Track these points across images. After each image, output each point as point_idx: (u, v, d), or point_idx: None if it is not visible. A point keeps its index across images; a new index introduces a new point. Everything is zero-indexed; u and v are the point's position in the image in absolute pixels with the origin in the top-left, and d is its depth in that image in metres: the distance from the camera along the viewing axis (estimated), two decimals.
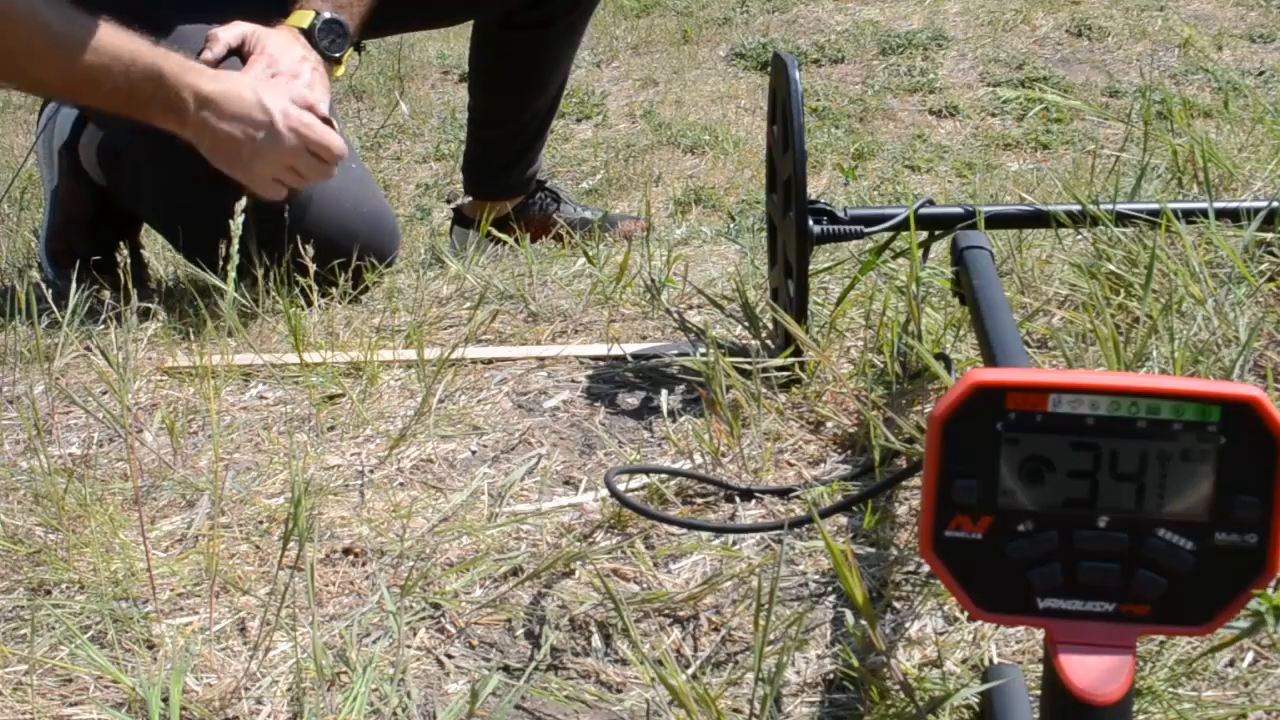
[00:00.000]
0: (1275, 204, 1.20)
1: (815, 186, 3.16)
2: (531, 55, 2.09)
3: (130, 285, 1.21)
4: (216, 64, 1.59)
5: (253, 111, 1.44)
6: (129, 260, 1.16)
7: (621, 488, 0.96)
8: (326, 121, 1.50)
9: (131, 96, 1.42)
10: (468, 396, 1.20)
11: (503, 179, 2.24)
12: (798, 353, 1.11)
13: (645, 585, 0.90)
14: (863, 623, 0.79)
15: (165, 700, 0.78)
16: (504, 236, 1.75)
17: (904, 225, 1.17)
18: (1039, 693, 0.62)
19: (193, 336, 1.36)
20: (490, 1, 2.03)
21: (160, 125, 1.46)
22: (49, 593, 0.92)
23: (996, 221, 1.20)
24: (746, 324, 1.23)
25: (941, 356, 1.04)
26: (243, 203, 1.14)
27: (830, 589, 0.89)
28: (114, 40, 1.39)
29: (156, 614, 0.89)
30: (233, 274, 1.15)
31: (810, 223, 1.12)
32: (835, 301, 1.22)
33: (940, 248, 1.23)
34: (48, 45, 1.36)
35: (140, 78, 1.40)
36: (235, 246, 1.12)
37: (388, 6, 1.75)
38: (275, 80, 1.50)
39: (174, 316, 1.42)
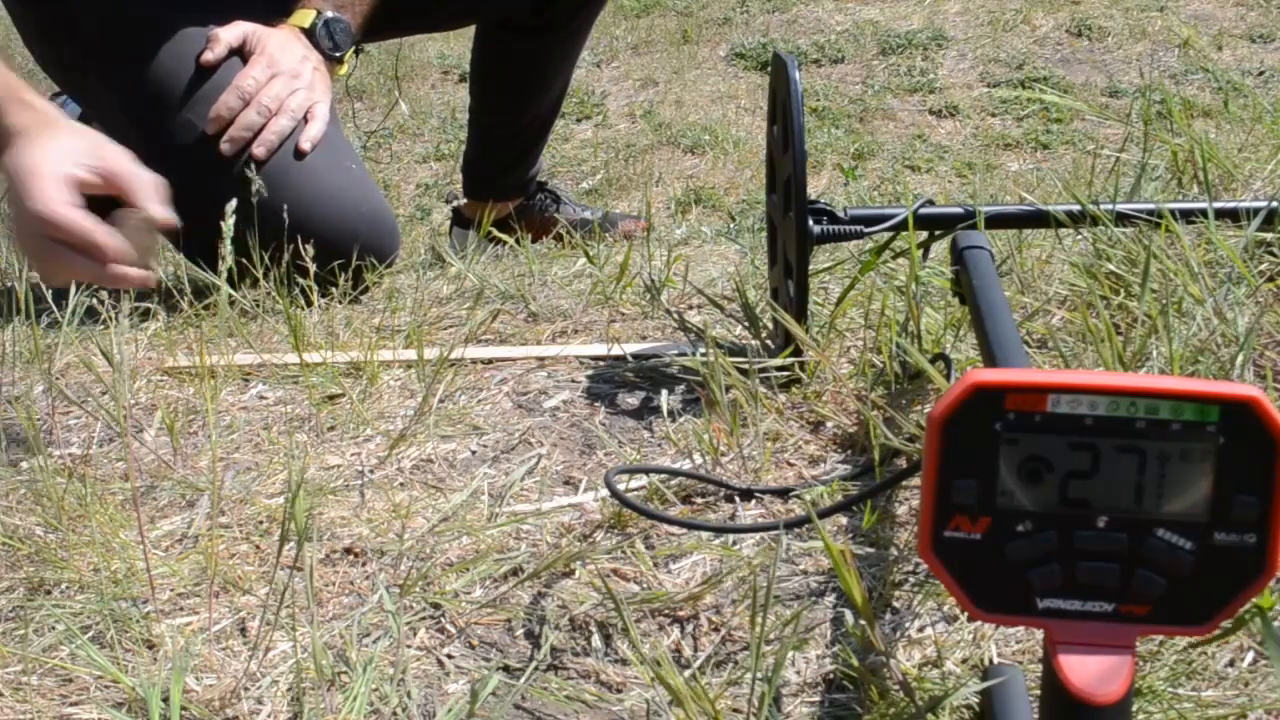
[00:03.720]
0: (1275, 204, 1.20)
1: (815, 186, 3.16)
2: (533, 60, 2.09)
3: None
4: (218, 64, 1.59)
5: (19, 173, 1.11)
6: None
7: (621, 488, 0.96)
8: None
9: None
10: (468, 396, 1.20)
11: (503, 181, 2.24)
12: (798, 353, 1.11)
13: (645, 585, 0.90)
14: (862, 623, 0.79)
15: (165, 700, 0.79)
16: (504, 237, 1.75)
17: (904, 225, 1.18)
18: (1039, 693, 0.62)
19: (193, 336, 1.36)
20: (493, 6, 2.03)
21: None
22: (49, 592, 0.92)
23: (996, 221, 1.20)
24: (746, 324, 1.23)
25: (941, 356, 1.04)
26: (233, 203, 1.14)
27: (830, 589, 0.89)
28: None
29: (156, 614, 0.89)
30: (225, 272, 1.15)
31: (810, 223, 1.12)
32: (835, 301, 1.22)
33: (940, 248, 1.23)
34: None
35: None
36: (228, 246, 1.12)
37: (390, 10, 1.75)
38: (87, 132, 1.18)
39: (174, 316, 1.42)
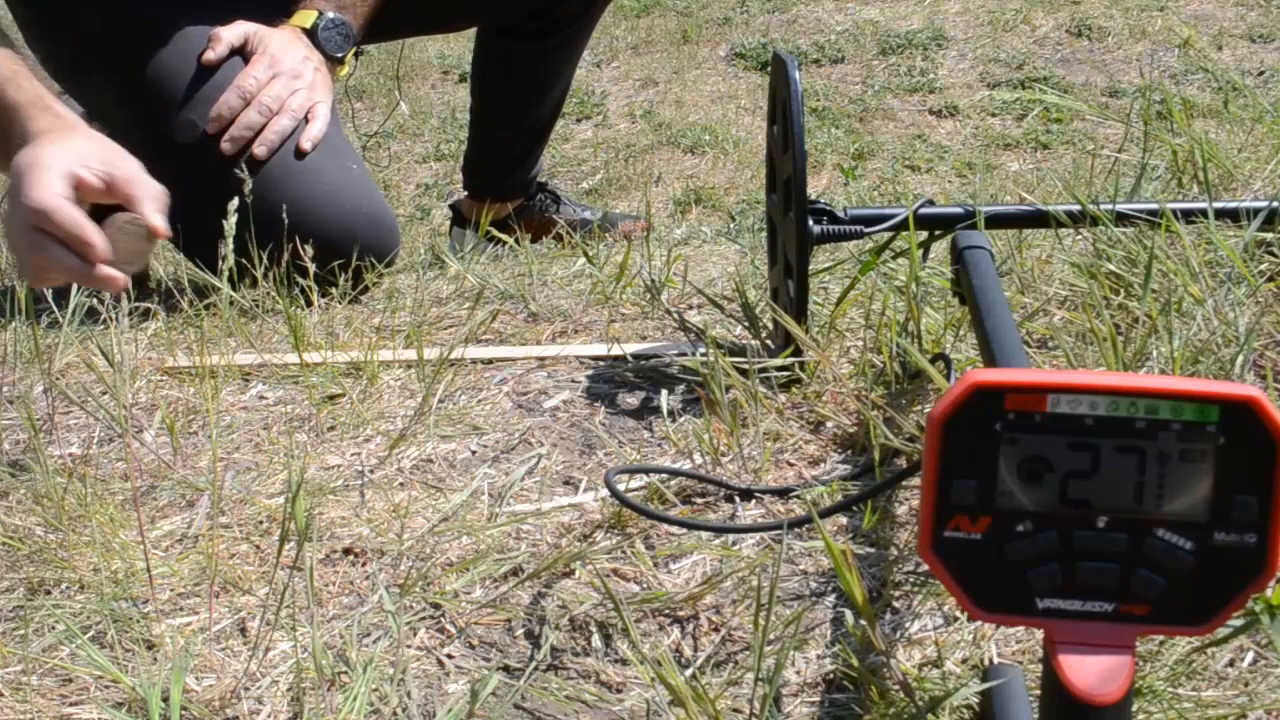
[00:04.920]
0: (1275, 204, 1.20)
1: (815, 186, 3.16)
2: (534, 63, 2.09)
3: (130, 285, 1.21)
4: (219, 64, 1.59)
5: (22, 165, 1.13)
6: None
7: (621, 488, 0.96)
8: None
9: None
10: (468, 396, 1.20)
11: (503, 182, 2.24)
12: (798, 353, 1.11)
13: (645, 585, 0.90)
14: (862, 623, 0.79)
15: (165, 700, 0.79)
16: (504, 237, 1.75)
17: (904, 225, 1.18)
18: (1039, 693, 0.62)
19: (193, 336, 1.36)
20: (494, 10, 2.02)
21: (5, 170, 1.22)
22: (49, 592, 0.92)
23: (996, 221, 1.20)
24: (746, 324, 1.23)
25: (941, 356, 1.04)
26: (234, 203, 1.14)
27: (830, 589, 0.89)
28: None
29: (156, 614, 0.89)
30: (225, 272, 1.15)
31: (810, 223, 1.12)
32: (835, 301, 1.22)
33: (940, 248, 1.23)
34: None
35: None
36: (230, 246, 1.12)
37: (391, 13, 1.75)
38: (101, 140, 1.20)
39: (174, 316, 1.42)
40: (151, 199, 1.13)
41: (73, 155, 1.13)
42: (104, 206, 1.14)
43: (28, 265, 1.13)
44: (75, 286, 1.32)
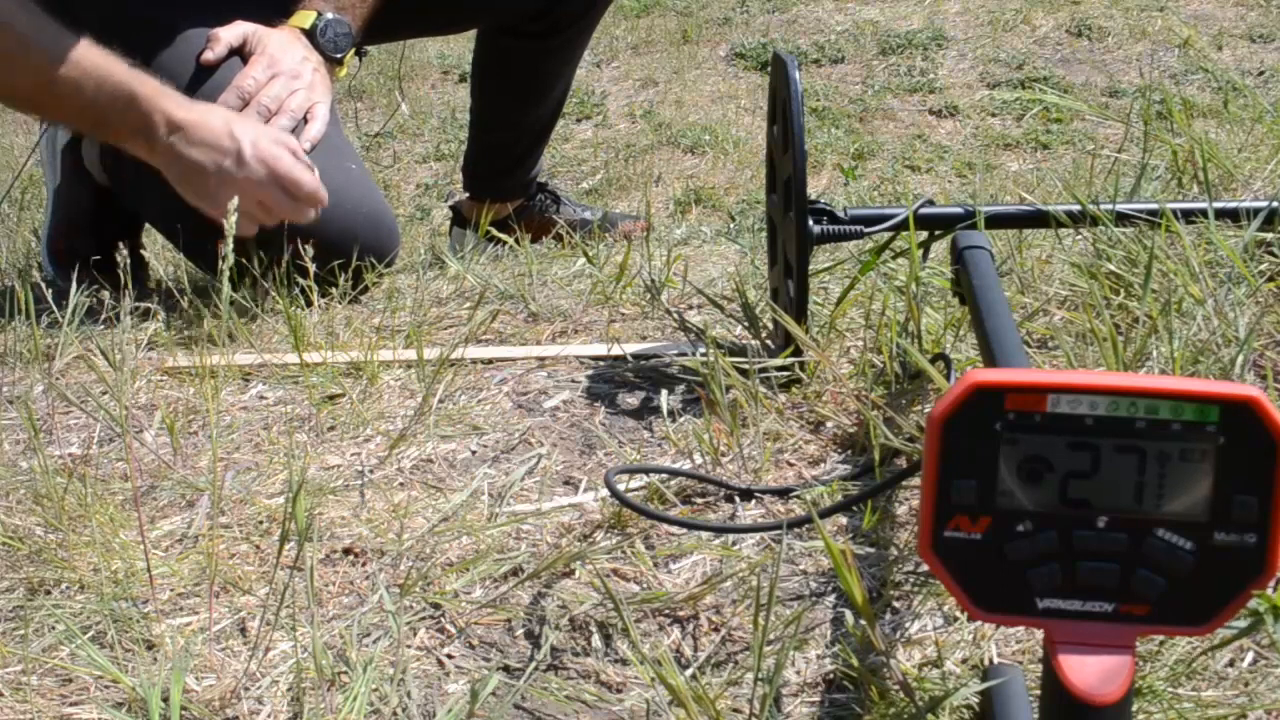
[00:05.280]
0: (1275, 204, 1.20)
1: (815, 186, 3.16)
2: (534, 64, 2.08)
3: (130, 285, 1.21)
4: (218, 64, 1.59)
5: (221, 139, 1.41)
6: (129, 260, 1.16)
7: (621, 488, 0.96)
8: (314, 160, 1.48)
9: (101, 115, 1.40)
10: (468, 396, 1.20)
11: (503, 182, 2.24)
12: (798, 353, 1.11)
13: (645, 585, 0.90)
14: (862, 623, 0.79)
15: (165, 700, 0.79)
16: (504, 237, 1.75)
17: (904, 225, 1.18)
18: (1039, 693, 0.62)
19: (193, 336, 1.36)
20: (494, 11, 2.02)
21: (129, 149, 1.43)
22: (49, 592, 0.92)
23: (996, 221, 1.20)
24: (746, 324, 1.23)
25: (941, 356, 1.04)
26: (234, 202, 1.14)
27: (830, 589, 0.89)
28: (89, 56, 1.37)
29: (156, 614, 0.89)
30: (226, 271, 1.15)
31: (810, 223, 1.12)
32: (835, 301, 1.22)
33: (940, 248, 1.23)
34: (20, 51, 1.35)
35: (111, 97, 1.38)
36: (230, 245, 1.12)
37: (391, 13, 1.75)
38: (251, 113, 1.48)
39: (174, 316, 1.42)
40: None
41: (249, 124, 1.45)
42: None
43: (244, 215, 1.36)
44: (75, 286, 1.32)
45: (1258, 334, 1.06)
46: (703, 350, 1.20)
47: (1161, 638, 0.78)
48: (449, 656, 0.85)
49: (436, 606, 0.89)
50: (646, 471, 1.01)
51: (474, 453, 1.10)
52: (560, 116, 2.30)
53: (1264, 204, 1.20)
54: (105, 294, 1.32)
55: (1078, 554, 0.59)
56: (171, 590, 0.92)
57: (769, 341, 1.20)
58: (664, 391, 1.14)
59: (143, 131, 1.40)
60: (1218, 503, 0.58)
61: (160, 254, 2.05)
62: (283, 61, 1.59)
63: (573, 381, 1.21)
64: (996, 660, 0.80)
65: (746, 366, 1.10)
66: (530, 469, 1.06)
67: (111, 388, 1.20)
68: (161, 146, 1.41)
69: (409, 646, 0.86)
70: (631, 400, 1.17)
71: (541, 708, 0.81)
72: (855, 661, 0.78)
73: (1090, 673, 0.58)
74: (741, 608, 0.87)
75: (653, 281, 1.38)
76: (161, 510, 1.04)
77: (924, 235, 1.20)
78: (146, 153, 1.42)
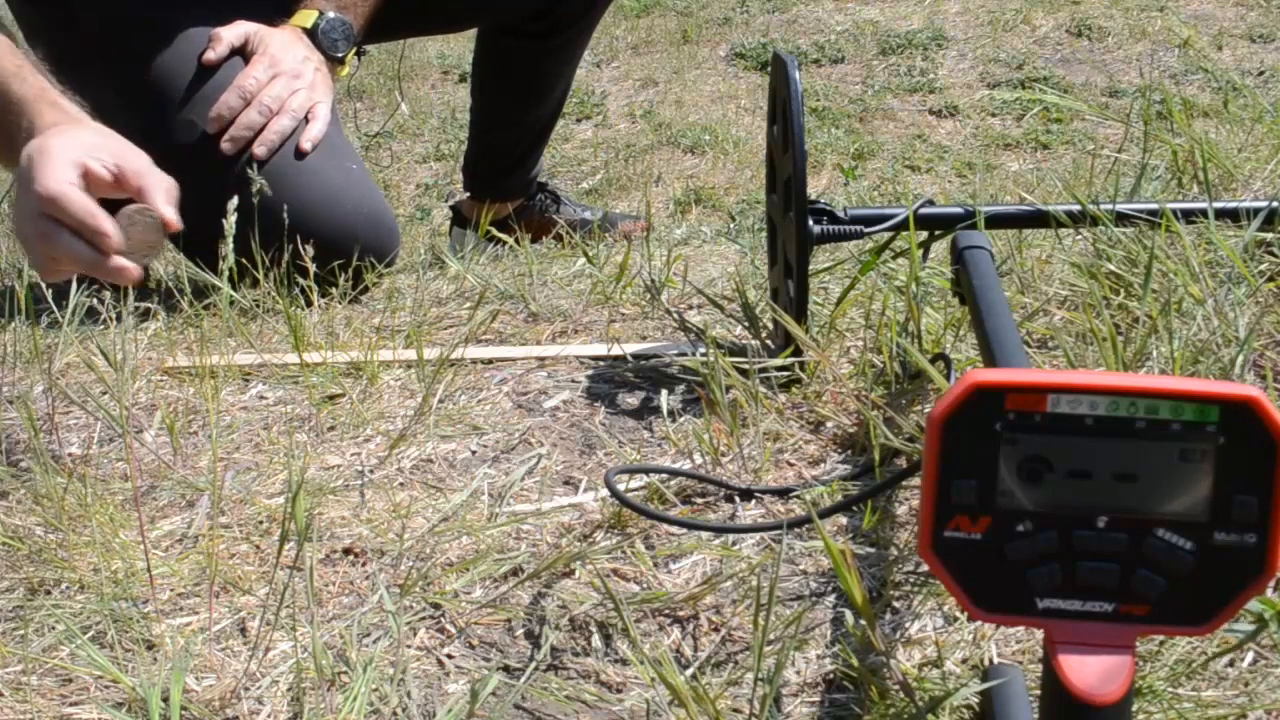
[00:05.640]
0: (1275, 204, 1.20)
1: (815, 186, 3.16)
2: (535, 64, 2.09)
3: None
4: (219, 64, 1.59)
5: (31, 154, 1.11)
6: None
7: (621, 488, 0.96)
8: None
9: None
10: (468, 396, 1.20)
11: (503, 182, 2.24)
12: (798, 353, 1.11)
13: (645, 585, 0.90)
14: (862, 623, 0.79)
15: (165, 700, 0.79)
16: (504, 237, 1.75)
17: (904, 225, 1.18)
18: (1039, 693, 0.62)
19: (193, 336, 1.36)
20: (495, 11, 2.02)
21: (10, 163, 1.20)
22: (49, 592, 0.92)
23: (996, 221, 1.20)
24: (746, 324, 1.23)
25: (941, 356, 1.04)
26: (234, 203, 1.14)
27: (830, 589, 0.89)
28: None
29: (156, 614, 0.89)
30: (225, 272, 1.16)
31: (810, 223, 1.12)
32: (835, 301, 1.22)
33: (940, 248, 1.23)
34: None
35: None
36: (230, 245, 1.12)
37: (392, 13, 1.75)
38: (115, 137, 1.17)
39: (174, 316, 1.42)
40: (163, 191, 1.12)
41: (81, 146, 1.12)
42: (111, 201, 1.13)
43: (38, 257, 1.11)
44: (75, 286, 1.32)
45: (1258, 334, 1.06)
46: (703, 350, 1.20)
47: (1161, 638, 0.78)
48: (449, 656, 0.85)
49: (436, 606, 0.89)
50: (646, 471, 1.01)
51: (474, 453, 1.10)
52: (560, 116, 2.30)
53: (1264, 204, 1.20)
54: (105, 294, 1.32)
55: (1078, 554, 0.59)
56: (171, 590, 0.92)
57: (769, 341, 1.20)
58: (664, 391, 1.14)
59: (9, 137, 1.19)
60: (1218, 503, 0.58)
61: (161, 254, 2.05)
62: (284, 61, 1.59)
63: (573, 381, 1.21)
64: (996, 660, 0.80)
65: (746, 366, 1.10)
66: (530, 469, 1.06)
67: (111, 388, 1.20)
68: (16, 154, 1.15)
69: (409, 646, 0.86)
70: (631, 400, 1.17)
71: (541, 708, 0.81)
72: (855, 661, 0.78)
73: (1090, 673, 0.58)
74: (741, 608, 0.87)
75: (653, 281, 1.38)
76: (161, 510, 1.04)
77: (924, 235, 1.20)
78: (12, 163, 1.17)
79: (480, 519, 0.99)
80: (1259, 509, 0.57)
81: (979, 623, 0.82)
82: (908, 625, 0.84)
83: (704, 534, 0.94)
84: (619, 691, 0.82)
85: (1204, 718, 0.73)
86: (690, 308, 1.37)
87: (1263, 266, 1.17)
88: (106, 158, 1.12)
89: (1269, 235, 1.19)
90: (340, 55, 1.67)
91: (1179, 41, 4.22)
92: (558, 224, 2.25)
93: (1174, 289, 1.10)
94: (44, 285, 1.36)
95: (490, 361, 1.26)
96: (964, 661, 0.80)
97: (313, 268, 1.41)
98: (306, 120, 1.58)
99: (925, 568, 0.88)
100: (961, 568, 0.60)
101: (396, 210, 2.88)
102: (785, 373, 1.12)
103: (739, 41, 4.48)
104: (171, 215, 1.11)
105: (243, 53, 1.60)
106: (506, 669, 0.84)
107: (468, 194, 2.28)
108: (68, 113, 1.20)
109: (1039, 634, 0.77)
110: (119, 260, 1.08)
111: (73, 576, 0.93)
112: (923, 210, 1.19)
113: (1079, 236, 1.28)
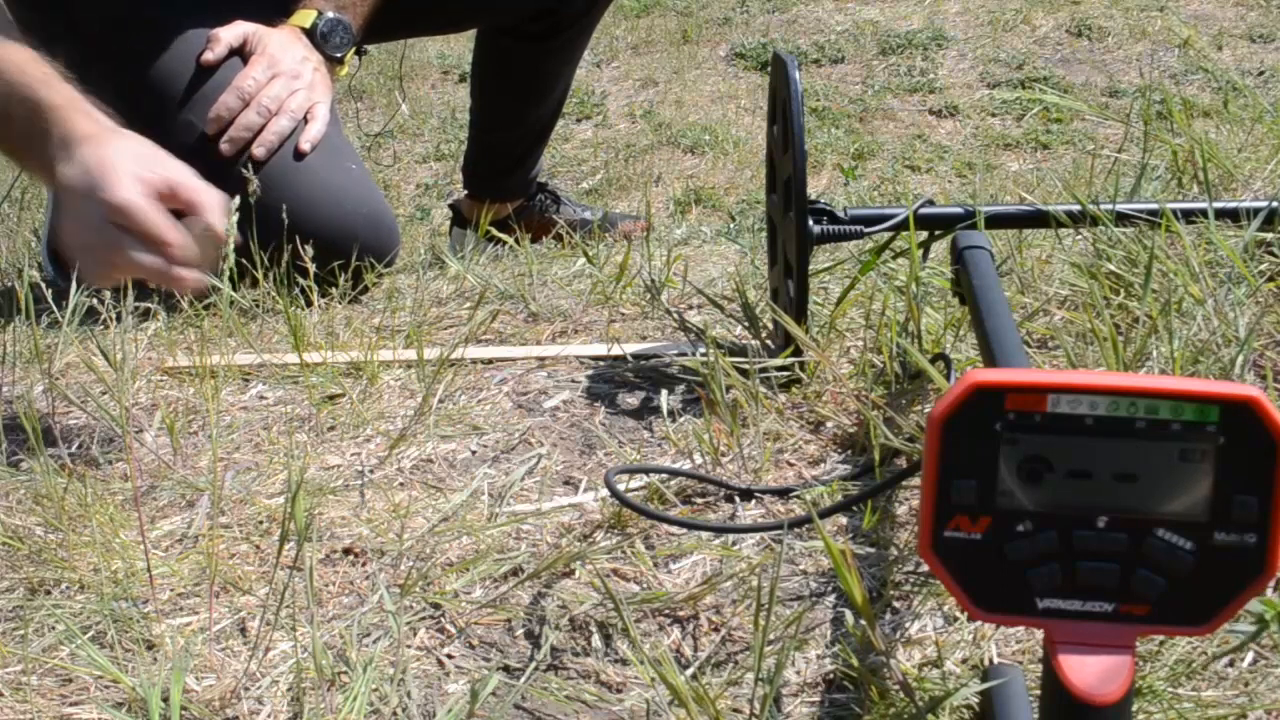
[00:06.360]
0: (1275, 204, 1.20)
1: (815, 186, 3.16)
2: (535, 65, 2.09)
3: (130, 285, 1.21)
4: (218, 64, 1.59)
5: (89, 164, 1.12)
6: None
7: (621, 488, 0.96)
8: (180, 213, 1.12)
9: (5, 125, 1.21)
10: (468, 396, 1.20)
11: (503, 182, 2.25)
12: (798, 353, 1.11)
13: (645, 585, 0.90)
14: (862, 623, 0.79)
15: (165, 700, 0.79)
16: (504, 237, 1.75)
17: (904, 225, 1.18)
18: (1039, 693, 0.62)
19: (193, 336, 1.36)
20: (495, 12, 2.02)
21: (34, 169, 1.23)
22: (49, 592, 0.92)
23: (996, 221, 1.20)
24: (746, 324, 1.23)
25: (941, 356, 1.04)
26: (236, 201, 1.14)
27: (830, 589, 0.89)
28: (7, 57, 1.22)
29: (156, 614, 0.89)
30: (226, 271, 1.15)
31: (810, 223, 1.12)
32: (835, 301, 1.22)
33: (940, 248, 1.23)
34: None
35: (19, 103, 1.20)
36: (231, 246, 1.12)
37: (391, 13, 1.75)
38: (156, 151, 1.16)
39: (174, 316, 1.42)
40: (214, 204, 1.13)
41: (136, 159, 1.13)
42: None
43: (96, 262, 1.12)
44: (75, 286, 1.32)
45: (1258, 334, 1.06)
46: (703, 350, 1.20)
47: (1161, 638, 0.78)
48: (449, 656, 0.85)
49: (436, 606, 0.89)
50: (646, 471, 1.01)
51: (474, 453, 1.10)
52: (560, 116, 2.30)
53: (1264, 204, 1.20)
54: (105, 294, 1.32)
55: (1078, 554, 0.59)
56: (171, 590, 0.92)
57: (769, 341, 1.20)
58: (664, 391, 1.14)
59: (37, 143, 1.18)
60: (1218, 503, 0.58)
61: (217, 266, 2.05)
62: (283, 61, 1.59)
63: (573, 381, 1.21)
64: (996, 660, 0.80)
65: (746, 366, 1.10)
66: (530, 469, 1.06)
67: (111, 388, 1.20)
68: (46, 161, 1.16)
69: (409, 646, 0.86)
70: (631, 400, 1.17)
71: (541, 708, 0.81)
72: (855, 661, 0.78)
73: (1090, 673, 0.58)
74: (741, 608, 0.87)
75: (653, 281, 1.38)
76: (161, 510, 1.04)
77: (924, 235, 1.20)
78: (45, 174, 1.18)
79: (480, 519, 0.99)
80: (1259, 509, 0.57)
81: (979, 623, 0.82)
82: (908, 625, 0.84)
83: (704, 534, 0.94)
84: (619, 691, 0.82)
85: (1204, 718, 0.73)
86: (690, 308, 1.37)
87: (1263, 266, 1.17)
88: (159, 169, 1.14)
89: (1269, 235, 1.19)
90: (339, 55, 1.67)
91: (1179, 41, 4.22)
92: (558, 224, 2.25)
93: (1174, 289, 1.10)
94: (44, 285, 1.36)
95: (490, 361, 1.26)
96: (964, 661, 0.80)
97: (313, 268, 1.41)
98: (306, 121, 1.58)
99: (925, 568, 0.88)
100: (961, 568, 0.60)
101: (396, 210, 2.88)
102: (785, 373, 1.12)
103: (739, 41, 4.48)
104: (225, 227, 1.12)
105: (241, 53, 1.60)
106: (506, 669, 0.84)
107: (467, 194, 2.29)
108: (101, 122, 1.20)
109: (1039, 634, 0.77)
110: (184, 270, 1.11)
111: (73, 576, 0.93)
112: (923, 210, 1.19)
113: (1079, 236, 1.28)
